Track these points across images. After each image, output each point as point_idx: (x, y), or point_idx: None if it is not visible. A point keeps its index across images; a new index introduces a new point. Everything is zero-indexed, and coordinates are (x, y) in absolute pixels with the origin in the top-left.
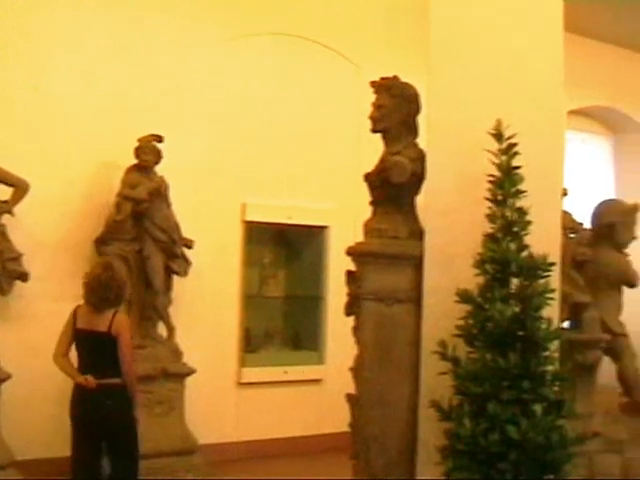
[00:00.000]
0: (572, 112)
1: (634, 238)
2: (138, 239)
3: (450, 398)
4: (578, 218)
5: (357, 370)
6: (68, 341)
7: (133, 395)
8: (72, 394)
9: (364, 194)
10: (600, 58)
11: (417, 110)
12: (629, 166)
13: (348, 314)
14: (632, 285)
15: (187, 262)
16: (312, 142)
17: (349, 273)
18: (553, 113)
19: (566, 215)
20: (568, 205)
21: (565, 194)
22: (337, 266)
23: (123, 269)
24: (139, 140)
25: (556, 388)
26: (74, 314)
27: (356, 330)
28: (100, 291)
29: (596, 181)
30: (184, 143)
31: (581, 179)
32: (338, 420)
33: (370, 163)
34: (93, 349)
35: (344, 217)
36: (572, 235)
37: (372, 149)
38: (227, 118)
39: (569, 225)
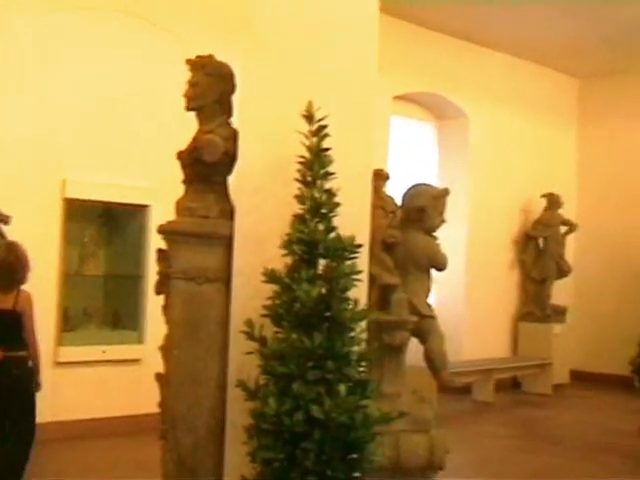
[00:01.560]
0: (397, 97)
1: (443, 222)
2: None
3: (257, 378)
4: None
5: (166, 349)
6: None
7: (37, 367)
8: None
9: None
10: (427, 45)
11: (232, 89)
12: (451, 151)
13: (158, 293)
14: (440, 268)
15: (3, 238)
16: (135, 119)
17: (160, 252)
18: (365, 96)
19: (388, 198)
20: (391, 189)
21: (387, 178)
22: (157, 245)
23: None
24: None
25: (361, 368)
26: None
27: (166, 309)
28: (10, 273)
29: (420, 165)
30: (4, 116)
31: (405, 163)
32: (157, 400)
33: None
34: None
35: (165, 196)
36: (392, 218)
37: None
38: (49, 92)
39: (391, 208)
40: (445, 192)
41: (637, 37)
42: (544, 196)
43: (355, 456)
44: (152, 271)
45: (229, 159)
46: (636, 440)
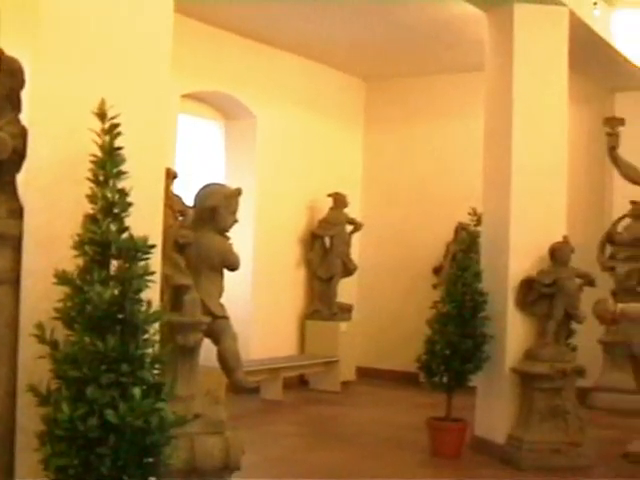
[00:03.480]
0: (186, 96)
1: (236, 221)
2: None
3: (49, 382)
4: (189, 201)
5: None
6: None
7: None
8: None
9: None
10: (216, 44)
11: (21, 85)
12: (238, 150)
13: None
14: (233, 268)
15: None
16: None
17: None
18: (158, 95)
19: (176, 198)
20: (179, 188)
21: (175, 177)
22: None
23: None
24: None
25: (156, 371)
26: None
27: None
28: None
29: (208, 165)
30: None
31: (194, 163)
32: None
33: None
34: None
35: None
36: (182, 218)
37: None
38: None
39: (179, 208)
40: (237, 192)
41: (420, 41)
42: (330, 195)
43: (151, 460)
44: None
45: (18, 157)
46: (424, 434)
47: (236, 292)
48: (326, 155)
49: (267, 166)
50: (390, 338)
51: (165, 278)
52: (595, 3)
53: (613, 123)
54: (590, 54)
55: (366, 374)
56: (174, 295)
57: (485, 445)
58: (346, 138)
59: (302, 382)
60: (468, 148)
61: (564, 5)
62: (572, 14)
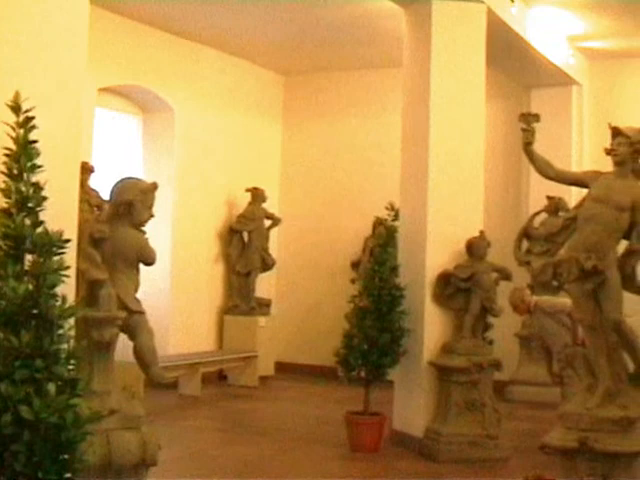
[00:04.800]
0: (103, 89)
1: (152, 216)
2: None
3: None
4: (106, 195)
5: None
6: None
7: None
8: None
9: None
10: (133, 38)
11: None
12: (156, 145)
13: None
14: (149, 263)
15: None
16: None
17: None
18: (74, 88)
19: (93, 192)
20: (96, 182)
21: (92, 171)
22: None
23: None
24: None
25: (71, 366)
26: None
27: None
28: None
29: (125, 159)
30: None
31: (111, 157)
32: None
33: None
34: None
35: None
36: (98, 212)
37: None
38: None
39: (96, 202)
40: (154, 186)
41: (339, 36)
42: (248, 190)
43: (66, 456)
44: None
45: None
46: (342, 429)
47: (154, 287)
48: (244, 150)
49: (185, 160)
50: (309, 333)
51: (80, 273)
52: (512, 0)
53: (528, 119)
54: (507, 51)
55: (285, 369)
56: (89, 290)
57: (403, 438)
58: (265, 133)
59: (221, 377)
60: (386, 143)
61: (482, 2)
62: (490, 11)
